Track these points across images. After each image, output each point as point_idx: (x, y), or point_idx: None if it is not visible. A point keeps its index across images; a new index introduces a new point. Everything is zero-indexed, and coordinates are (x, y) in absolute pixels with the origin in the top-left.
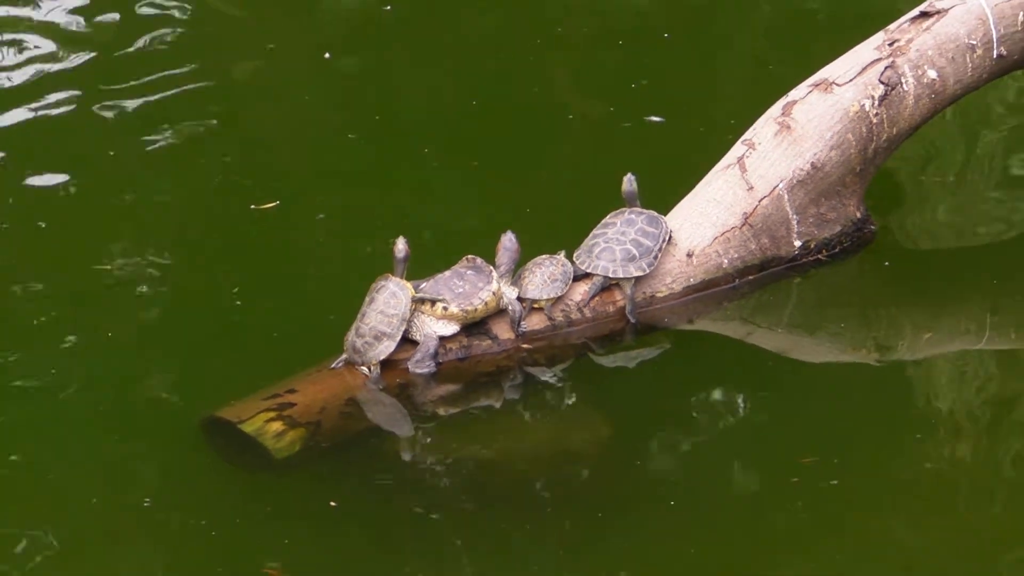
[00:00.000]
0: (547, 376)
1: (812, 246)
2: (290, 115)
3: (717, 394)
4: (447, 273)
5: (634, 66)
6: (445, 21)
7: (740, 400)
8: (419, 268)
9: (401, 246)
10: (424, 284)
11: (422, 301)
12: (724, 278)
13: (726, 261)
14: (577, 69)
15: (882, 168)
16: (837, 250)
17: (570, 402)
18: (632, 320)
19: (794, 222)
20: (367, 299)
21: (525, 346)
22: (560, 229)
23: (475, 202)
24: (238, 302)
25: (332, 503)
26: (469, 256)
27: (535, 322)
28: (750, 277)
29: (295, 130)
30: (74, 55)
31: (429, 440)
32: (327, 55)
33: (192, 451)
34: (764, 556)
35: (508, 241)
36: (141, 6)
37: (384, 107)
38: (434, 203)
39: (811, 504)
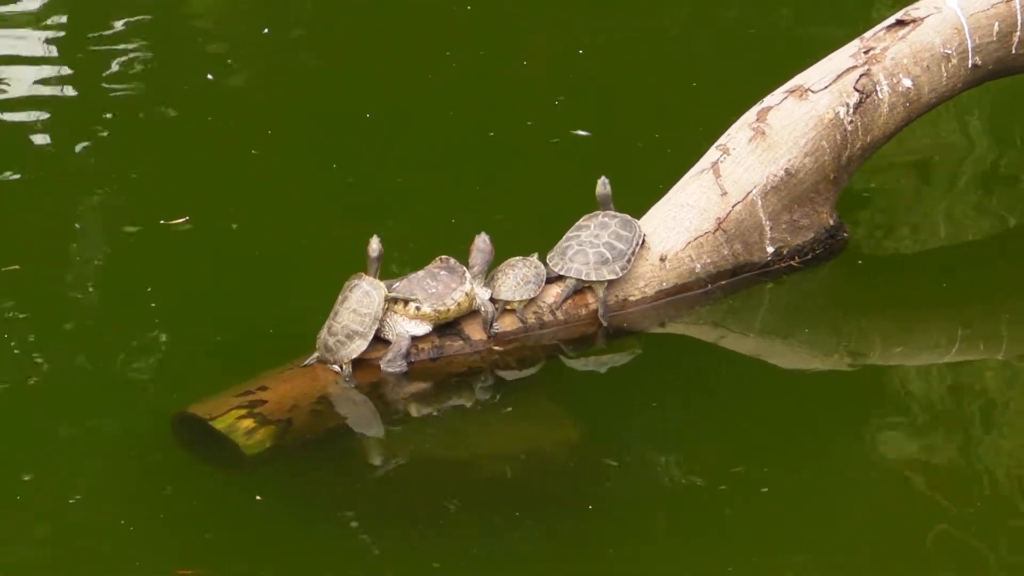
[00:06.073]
0: (518, 378)
1: (785, 252)
2: (189, 134)
3: (687, 399)
4: (420, 273)
5: (547, 83)
6: (327, 45)
7: (709, 405)
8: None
9: (375, 245)
10: (397, 284)
11: (395, 301)
12: (696, 283)
13: (699, 266)
14: (488, 87)
15: (856, 176)
16: (809, 257)
17: (540, 404)
18: (604, 323)
19: (767, 228)
20: (340, 297)
21: (497, 347)
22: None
23: (405, 213)
24: (153, 304)
25: (258, 497)
26: (443, 256)
27: (507, 323)
28: (723, 282)
29: (197, 149)
30: None
31: (399, 439)
32: (210, 76)
33: (125, 452)
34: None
35: (482, 242)
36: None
37: (276, 124)
38: (357, 215)
39: (765, 509)
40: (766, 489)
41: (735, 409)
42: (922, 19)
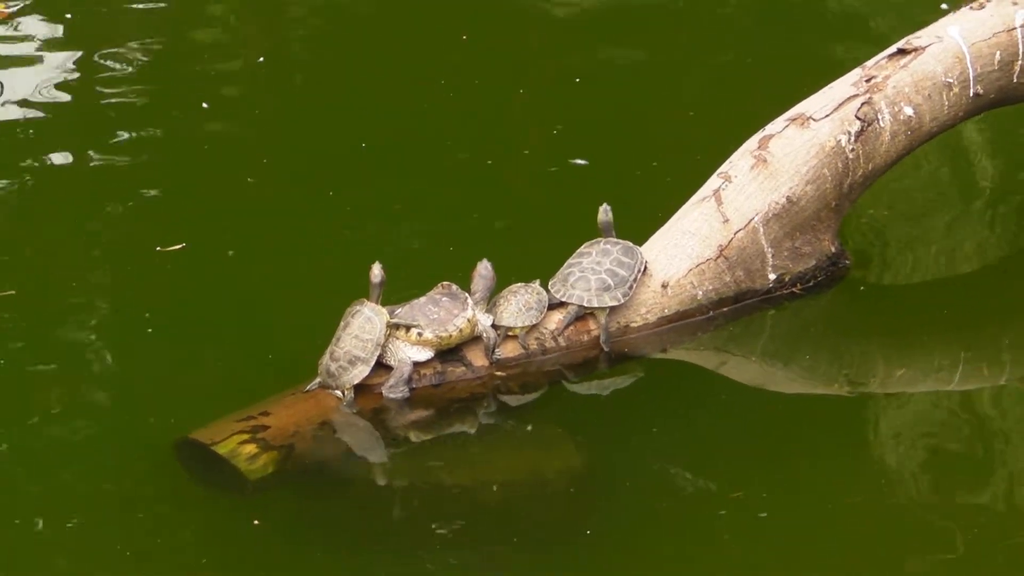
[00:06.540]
0: (520, 403)
1: (786, 279)
2: (185, 162)
3: (688, 424)
4: (422, 299)
5: (544, 112)
6: (322, 74)
7: (710, 431)
8: (325, 302)
9: (377, 271)
10: (399, 310)
11: (397, 327)
12: (698, 309)
13: (700, 293)
14: (485, 116)
15: (857, 203)
16: (811, 284)
17: (543, 430)
18: (606, 349)
19: (769, 255)
20: (342, 323)
21: (499, 373)
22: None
23: (404, 240)
24: (149, 329)
25: (255, 521)
26: (444, 283)
27: (509, 350)
28: (724, 309)
29: (192, 177)
30: None
31: (400, 465)
32: (205, 104)
33: (124, 478)
34: None
35: (484, 269)
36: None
37: (271, 153)
38: (355, 242)
39: (765, 534)
40: (765, 515)
41: (736, 435)
42: (924, 48)
